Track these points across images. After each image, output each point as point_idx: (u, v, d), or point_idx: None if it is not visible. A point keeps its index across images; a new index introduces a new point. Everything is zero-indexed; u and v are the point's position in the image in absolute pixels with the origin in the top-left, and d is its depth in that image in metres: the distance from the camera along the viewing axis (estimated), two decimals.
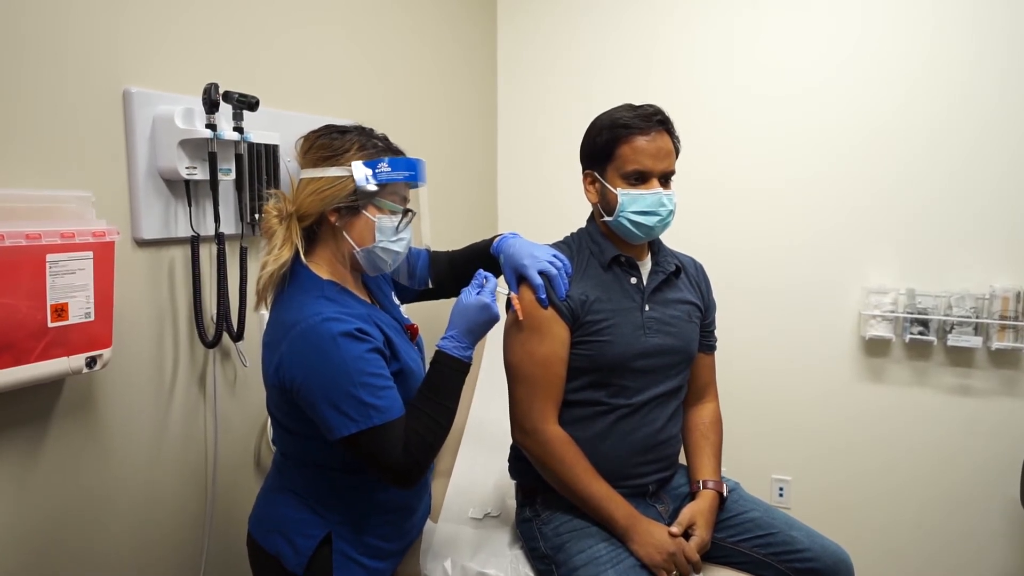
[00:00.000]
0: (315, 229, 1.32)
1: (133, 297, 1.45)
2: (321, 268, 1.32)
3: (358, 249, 1.32)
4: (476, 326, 1.35)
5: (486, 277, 1.40)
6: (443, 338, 1.34)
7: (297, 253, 1.29)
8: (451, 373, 1.32)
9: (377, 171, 1.28)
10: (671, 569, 1.43)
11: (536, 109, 2.86)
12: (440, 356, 1.32)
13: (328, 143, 1.30)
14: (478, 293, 1.36)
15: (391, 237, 1.32)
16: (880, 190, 2.41)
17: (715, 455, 1.65)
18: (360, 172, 1.27)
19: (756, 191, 2.56)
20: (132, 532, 1.50)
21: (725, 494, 1.59)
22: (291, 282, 1.29)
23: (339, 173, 1.27)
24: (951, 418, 2.41)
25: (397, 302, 1.53)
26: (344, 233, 1.31)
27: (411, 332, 1.46)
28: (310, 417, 1.24)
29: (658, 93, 2.52)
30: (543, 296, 1.51)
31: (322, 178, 1.28)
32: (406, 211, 1.35)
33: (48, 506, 1.33)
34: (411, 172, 1.32)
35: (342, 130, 1.32)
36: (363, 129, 1.34)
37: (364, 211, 1.30)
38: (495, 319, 1.37)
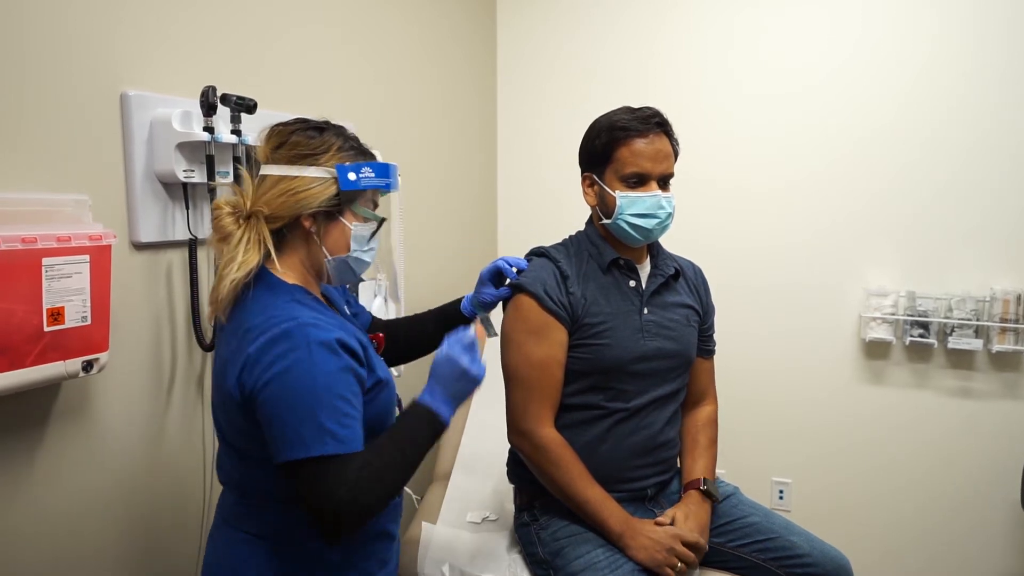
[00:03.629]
0: (283, 232, 1.21)
1: (130, 300, 1.45)
2: (287, 276, 1.20)
3: (330, 258, 1.22)
4: (458, 393, 1.23)
5: (465, 330, 1.27)
6: (424, 393, 1.22)
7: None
8: (424, 427, 1.18)
9: (361, 176, 1.20)
10: (675, 564, 1.42)
11: (536, 110, 2.85)
12: (418, 408, 1.20)
13: (305, 140, 1.20)
14: (460, 353, 1.23)
15: (364, 247, 1.25)
16: (880, 191, 2.41)
17: (703, 456, 1.64)
18: (344, 176, 1.19)
19: (756, 192, 2.55)
20: (129, 537, 1.49)
21: (702, 488, 1.56)
22: (254, 286, 1.16)
23: (318, 174, 1.18)
24: (951, 420, 2.40)
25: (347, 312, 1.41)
26: (317, 240, 1.21)
27: (377, 343, 1.38)
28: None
29: (658, 93, 2.53)
30: (515, 277, 1.56)
31: (297, 178, 1.17)
32: (381, 220, 1.27)
33: (44, 511, 1.32)
34: (390, 179, 1.24)
35: (318, 127, 1.23)
36: (338, 128, 1.26)
37: (341, 217, 1.22)
38: (478, 383, 1.25)
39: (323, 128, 1.23)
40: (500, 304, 1.60)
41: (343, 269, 1.25)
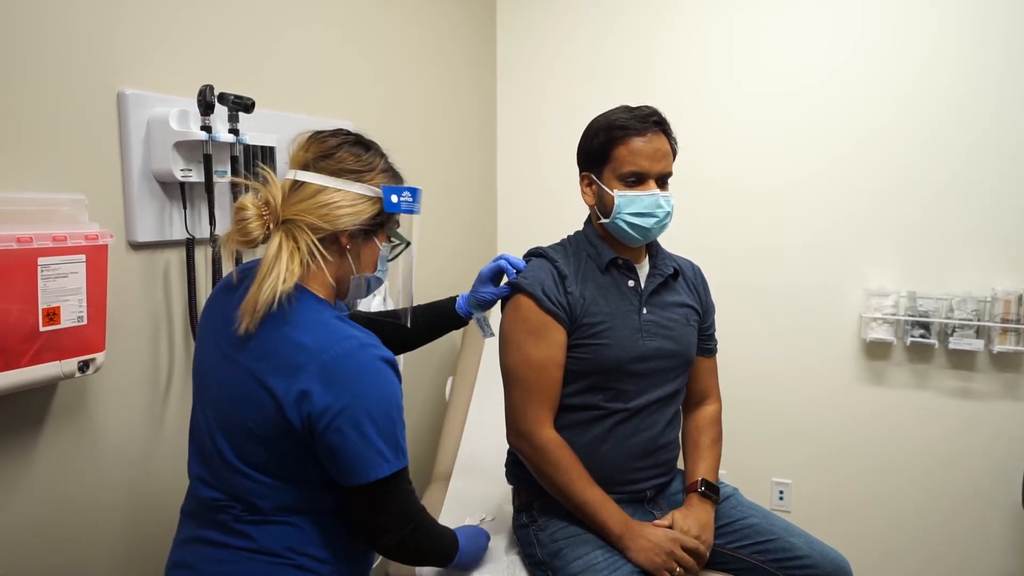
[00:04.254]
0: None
1: (127, 300, 1.44)
2: (318, 290, 1.18)
3: (356, 275, 1.21)
4: (469, 560, 1.46)
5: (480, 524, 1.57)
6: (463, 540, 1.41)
7: None
8: (453, 545, 1.35)
9: (402, 199, 1.20)
10: (674, 568, 1.42)
11: (536, 110, 2.85)
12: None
13: (355, 156, 1.18)
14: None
15: (383, 267, 1.25)
16: (880, 191, 2.40)
17: (705, 457, 1.63)
18: (388, 197, 1.18)
19: (756, 191, 2.55)
20: (126, 538, 1.49)
21: (700, 490, 1.56)
22: (294, 299, 1.13)
23: (364, 192, 1.17)
24: (952, 421, 2.39)
25: None
26: (350, 257, 1.19)
27: None
28: (320, 459, 1.10)
29: (658, 93, 2.52)
30: (513, 277, 1.57)
31: (340, 192, 1.15)
32: (407, 242, 1.28)
33: (40, 511, 1.32)
34: (418, 203, 1.24)
35: (363, 143, 1.22)
36: (378, 146, 1.25)
37: (375, 237, 1.22)
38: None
39: (368, 146, 1.23)
40: (496, 303, 1.59)
41: (363, 288, 1.25)
